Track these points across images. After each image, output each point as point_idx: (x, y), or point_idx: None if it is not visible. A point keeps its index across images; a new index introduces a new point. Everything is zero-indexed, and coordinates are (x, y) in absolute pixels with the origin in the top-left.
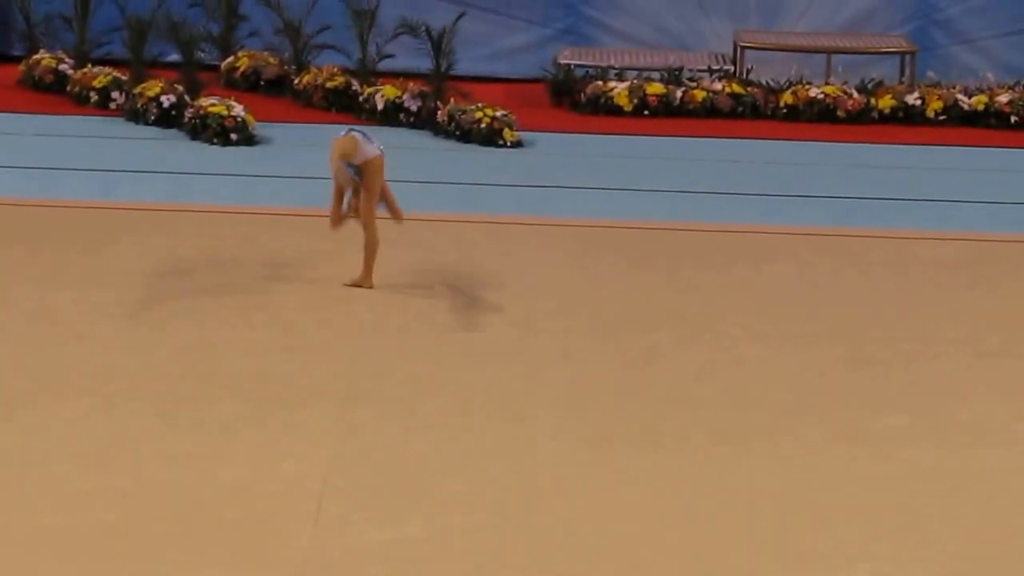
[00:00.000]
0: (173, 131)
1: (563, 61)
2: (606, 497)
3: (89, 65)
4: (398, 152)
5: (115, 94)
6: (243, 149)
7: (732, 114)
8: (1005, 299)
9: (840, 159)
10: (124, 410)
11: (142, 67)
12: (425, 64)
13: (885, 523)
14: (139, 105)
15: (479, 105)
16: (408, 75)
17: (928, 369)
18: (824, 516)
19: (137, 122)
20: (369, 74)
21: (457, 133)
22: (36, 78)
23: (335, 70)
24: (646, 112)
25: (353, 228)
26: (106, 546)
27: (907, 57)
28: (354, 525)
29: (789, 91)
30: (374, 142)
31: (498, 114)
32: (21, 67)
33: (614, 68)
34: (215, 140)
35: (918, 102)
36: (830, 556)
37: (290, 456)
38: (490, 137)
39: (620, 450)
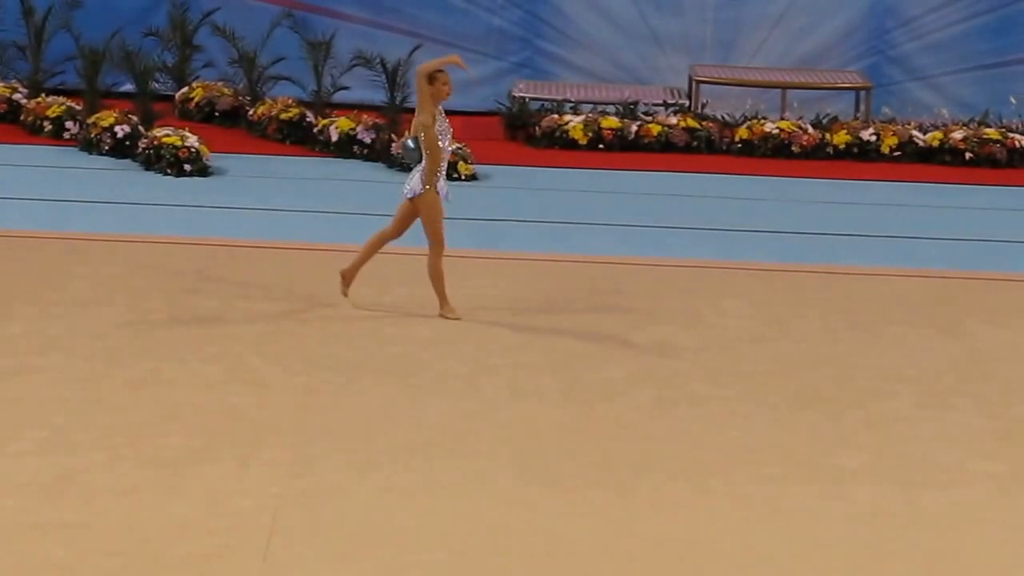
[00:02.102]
0: (127, 161)
1: (518, 94)
2: (560, 534)
3: (43, 95)
4: (351, 184)
5: (69, 124)
6: (197, 180)
7: (687, 148)
8: (960, 337)
9: (794, 194)
10: (74, 443)
11: (96, 97)
12: (380, 96)
13: (838, 560)
14: (93, 135)
15: None
16: (363, 107)
17: (882, 407)
18: (777, 554)
19: (91, 152)
20: (324, 106)
21: (411, 166)
22: None
23: (290, 101)
24: (601, 146)
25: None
26: None
27: (862, 93)
28: (304, 562)
29: (744, 126)
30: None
31: (453, 147)
32: None
33: (569, 102)
34: (169, 171)
35: (873, 138)
36: None
37: (241, 491)
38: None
39: (574, 487)
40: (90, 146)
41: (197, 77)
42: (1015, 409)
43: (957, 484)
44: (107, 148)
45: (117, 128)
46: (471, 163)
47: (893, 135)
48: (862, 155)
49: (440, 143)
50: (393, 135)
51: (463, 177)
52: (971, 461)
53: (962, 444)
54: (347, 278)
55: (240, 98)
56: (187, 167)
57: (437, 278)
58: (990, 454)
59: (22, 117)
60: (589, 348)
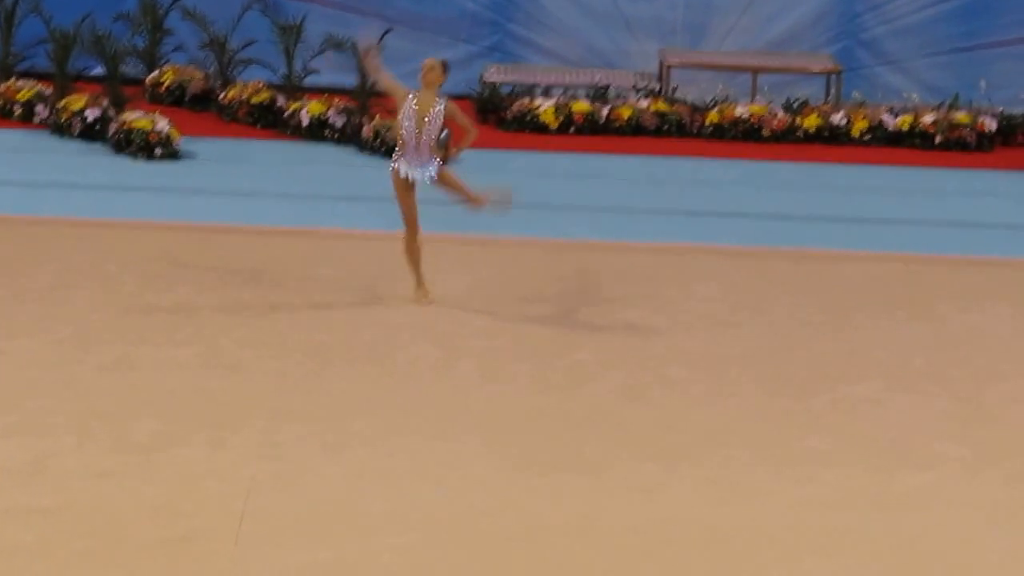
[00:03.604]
0: (97, 145)
1: (489, 78)
2: (531, 517)
3: (13, 78)
4: (322, 168)
5: (39, 107)
6: (167, 164)
7: (657, 132)
8: (929, 320)
9: (765, 178)
10: (45, 427)
11: (66, 81)
12: (350, 80)
13: (808, 543)
14: (63, 119)
15: None
16: (333, 91)
17: (851, 391)
18: (748, 536)
19: (61, 136)
20: (294, 89)
21: (382, 149)
22: None
23: (260, 85)
24: (572, 129)
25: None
26: (25, 566)
27: (833, 77)
28: (276, 545)
29: (714, 110)
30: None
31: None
32: None
33: (540, 86)
34: (139, 154)
35: (843, 122)
36: None
37: (213, 475)
38: None
39: (545, 470)
40: (60, 130)
41: (167, 61)
42: (983, 392)
43: (925, 467)
44: (77, 132)
45: (87, 112)
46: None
47: (863, 119)
48: (832, 139)
49: (404, 124)
50: (364, 119)
51: None
52: (939, 444)
53: (930, 427)
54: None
55: (211, 82)
56: (157, 151)
57: (409, 259)
58: (958, 437)
59: None
60: (560, 332)
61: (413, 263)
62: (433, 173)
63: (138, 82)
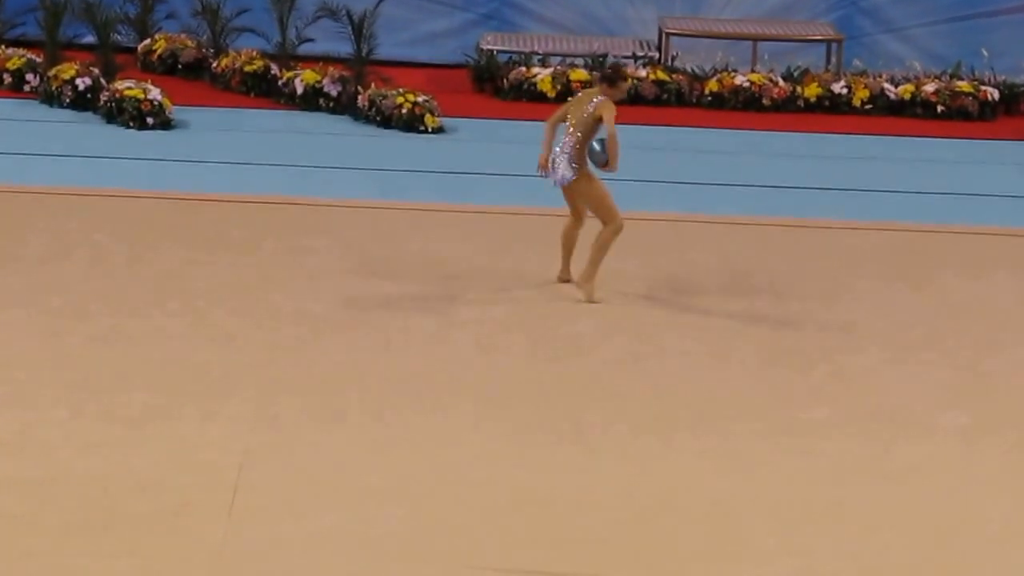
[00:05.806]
0: (88, 114)
1: (486, 47)
2: (526, 489)
3: (3, 46)
4: (317, 138)
5: (29, 76)
6: (159, 133)
7: (657, 101)
8: (928, 291)
9: (765, 147)
10: (35, 398)
11: (57, 49)
12: (346, 48)
13: (806, 515)
14: (54, 88)
15: (400, 90)
16: (328, 59)
17: (850, 361)
18: (746, 508)
19: (52, 105)
20: (288, 58)
21: (378, 118)
22: None
23: (254, 54)
24: (570, 99)
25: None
26: (16, 538)
27: (834, 45)
28: (270, 517)
29: (714, 78)
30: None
31: (420, 99)
32: None
33: (537, 54)
34: (131, 124)
35: (844, 91)
36: (752, 549)
37: (205, 446)
38: (411, 123)
39: (541, 442)
40: (51, 99)
41: (159, 29)
42: (983, 362)
43: (925, 437)
44: (68, 101)
45: (78, 80)
46: (438, 115)
47: (864, 88)
48: (833, 108)
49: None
50: (359, 87)
51: (430, 130)
52: (939, 414)
53: (930, 397)
54: (580, 281)
55: (203, 50)
56: (149, 120)
57: (598, 249)
58: (958, 406)
59: None
60: (557, 302)
61: (597, 253)
62: (568, 179)
63: (130, 50)
